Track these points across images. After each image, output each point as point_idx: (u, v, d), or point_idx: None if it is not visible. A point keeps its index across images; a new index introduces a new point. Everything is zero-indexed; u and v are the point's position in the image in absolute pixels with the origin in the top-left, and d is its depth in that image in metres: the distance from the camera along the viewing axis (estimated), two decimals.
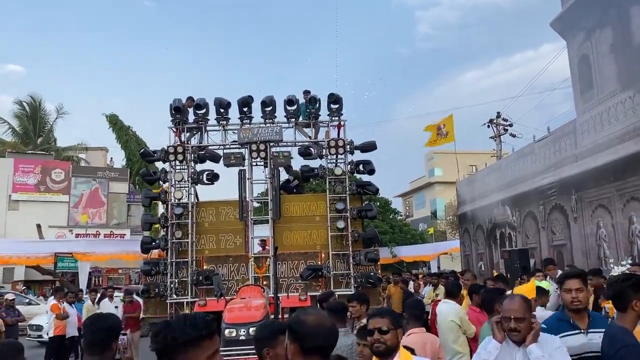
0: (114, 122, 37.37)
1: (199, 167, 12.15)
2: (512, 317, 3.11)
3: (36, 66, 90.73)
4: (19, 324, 11.94)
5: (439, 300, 7.73)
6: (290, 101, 11.79)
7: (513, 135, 26.11)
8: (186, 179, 11.70)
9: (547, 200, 14.30)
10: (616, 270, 7.10)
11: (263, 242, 12.14)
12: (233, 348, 6.87)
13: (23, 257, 21.89)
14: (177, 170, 11.71)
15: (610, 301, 6.70)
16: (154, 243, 11.68)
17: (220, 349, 6.94)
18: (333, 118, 12.03)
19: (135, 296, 12.49)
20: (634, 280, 3.19)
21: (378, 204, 30.17)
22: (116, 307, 12.85)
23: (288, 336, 2.24)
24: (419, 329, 4.53)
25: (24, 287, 23.97)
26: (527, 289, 5.90)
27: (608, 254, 11.44)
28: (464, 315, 5.68)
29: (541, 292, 5.96)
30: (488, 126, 26.91)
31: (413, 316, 4.69)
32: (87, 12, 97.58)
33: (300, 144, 12.13)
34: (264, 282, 10.50)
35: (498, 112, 26.87)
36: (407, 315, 4.74)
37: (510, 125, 26.48)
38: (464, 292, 7.01)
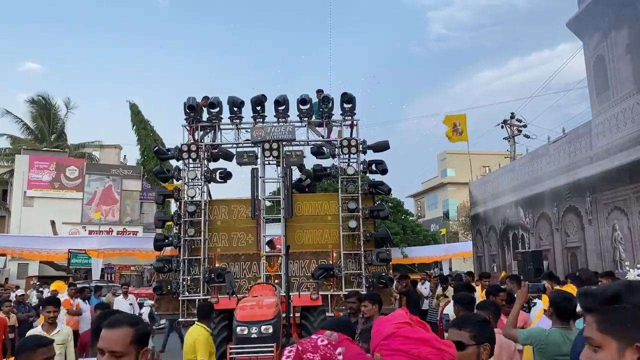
0: (136, 112, 36.80)
1: (212, 165, 12.21)
2: None
3: (53, 64, 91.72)
4: (29, 319, 12.03)
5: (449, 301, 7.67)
6: (303, 100, 11.79)
7: (527, 137, 25.94)
8: (199, 177, 11.74)
9: (561, 201, 14.18)
10: (632, 273, 7.01)
11: (270, 242, 12.02)
12: (245, 345, 6.89)
13: (36, 252, 22.19)
14: (190, 169, 11.76)
15: None
16: (166, 240, 11.73)
17: (232, 346, 6.88)
18: (346, 117, 11.99)
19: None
20: None
21: (390, 204, 30.12)
22: (131, 304, 12.95)
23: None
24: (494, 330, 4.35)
25: (38, 283, 24.17)
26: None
27: (624, 256, 11.32)
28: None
29: None
30: (502, 127, 26.75)
31: (493, 317, 4.34)
32: (102, 10, 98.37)
33: (312, 143, 12.12)
34: (276, 281, 10.50)
35: (512, 113, 26.70)
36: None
37: (525, 126, 26.30)
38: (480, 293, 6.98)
